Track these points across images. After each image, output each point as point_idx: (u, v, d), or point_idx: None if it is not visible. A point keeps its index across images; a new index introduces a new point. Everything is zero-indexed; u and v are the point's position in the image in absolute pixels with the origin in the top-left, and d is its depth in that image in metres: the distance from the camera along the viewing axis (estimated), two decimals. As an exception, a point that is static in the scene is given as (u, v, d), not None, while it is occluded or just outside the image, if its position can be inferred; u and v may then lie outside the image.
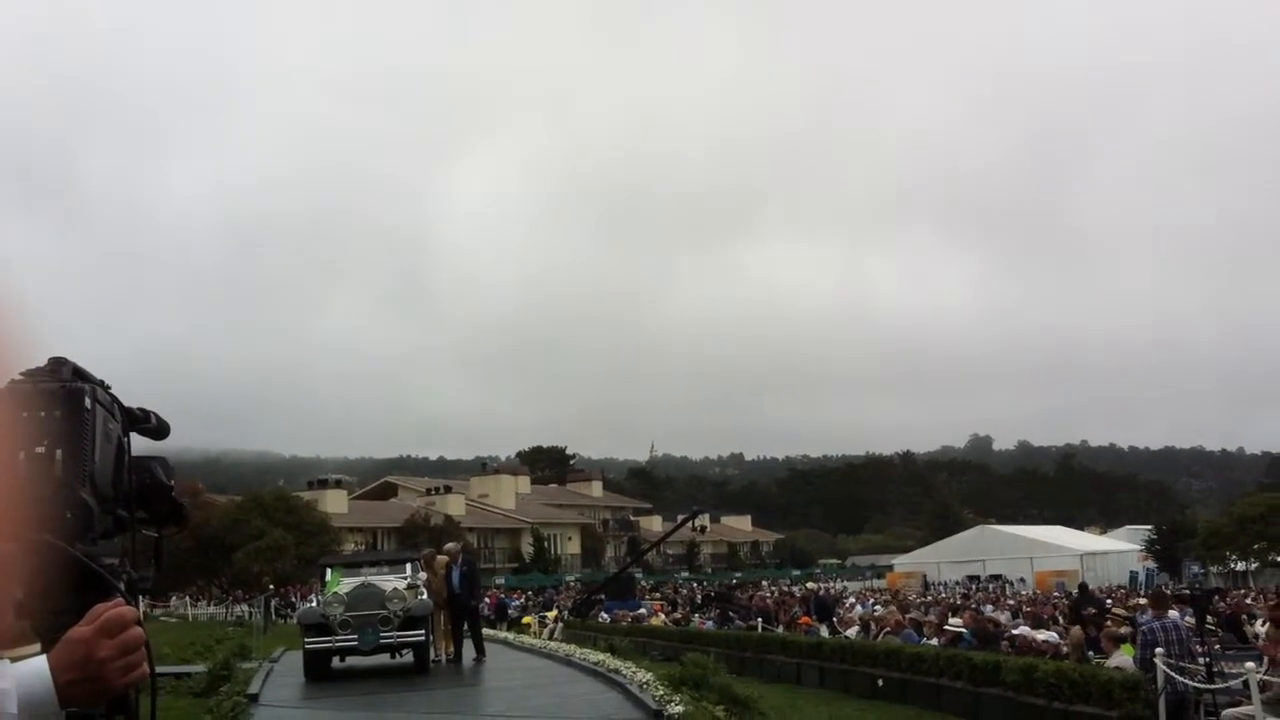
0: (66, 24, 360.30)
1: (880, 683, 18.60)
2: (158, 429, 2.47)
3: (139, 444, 2.43)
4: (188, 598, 58.96)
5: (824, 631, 27.43)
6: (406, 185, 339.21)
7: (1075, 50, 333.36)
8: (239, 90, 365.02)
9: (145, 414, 2.43)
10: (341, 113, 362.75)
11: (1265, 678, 11.67)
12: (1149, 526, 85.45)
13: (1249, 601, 33.18)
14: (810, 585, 67.80)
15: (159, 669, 2.08)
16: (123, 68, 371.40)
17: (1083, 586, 36.96)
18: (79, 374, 2.20)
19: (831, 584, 71.68)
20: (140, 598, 2.42)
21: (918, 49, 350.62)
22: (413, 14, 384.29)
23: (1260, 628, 19.49)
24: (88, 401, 2.14)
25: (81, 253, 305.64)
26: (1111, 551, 79.33)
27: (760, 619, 29.36)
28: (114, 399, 2.30)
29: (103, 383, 2.27)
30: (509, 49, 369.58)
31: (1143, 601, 24.62)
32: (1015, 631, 21.31)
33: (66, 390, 2.13)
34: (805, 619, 29.70)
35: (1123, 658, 15.26)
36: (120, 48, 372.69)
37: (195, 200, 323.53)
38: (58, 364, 2.18)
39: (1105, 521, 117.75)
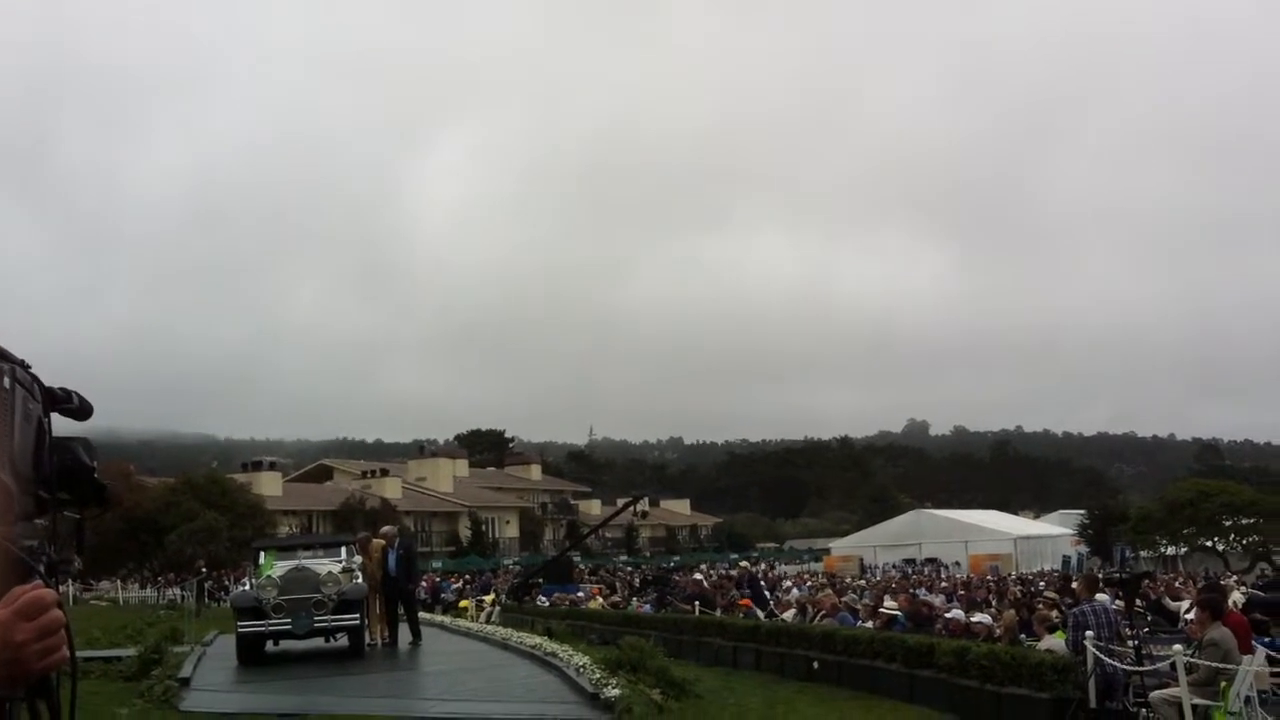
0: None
1: (816, 665, 18.69)
2: (80, 409, 2.43)
3: (61, 425, 2.39)
4: (118, 581, 58.25)
5: (760, 615, 27.57)
6: (367, 165, 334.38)
7: (1041, 35, 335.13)
8: (213, 64, 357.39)
9: (67, 394, 2.39)
10: (311, 88, 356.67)
11: (1192, 660, 11.87)
12: (1082, 511, 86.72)
13: (1177, 585, 33.79)
14: (743, 564, 68.22)
15: (88, 653, 2.06)
16: (94, 41, 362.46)
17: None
18: (-3, 352, 2.15)
19: (769, 568, 72.06)
20: (68, 580, 2.38)
21: (883, 38, 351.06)
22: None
23: (1186, 614, 19.81)
24: (6, 381, 2.10)
25: (31, 229, 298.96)
26: (1044, 536, 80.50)
27: (697, 602, 29.43)
28: (34, 379, 2.26)
29: (23, 362, 2.22)
30: (483, 29, 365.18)
31: (1073, 585, 24.95)
32: (949, 614, 21.52)
33: (-16, 369, 2.09)
34: (745, 600, 29.81)
35: (1054, 641, 15.48)
36: (91, 19, 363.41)
37: (152, 178, 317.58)
38: (-25, 343, 2.14)
39: (1039, 506, 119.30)
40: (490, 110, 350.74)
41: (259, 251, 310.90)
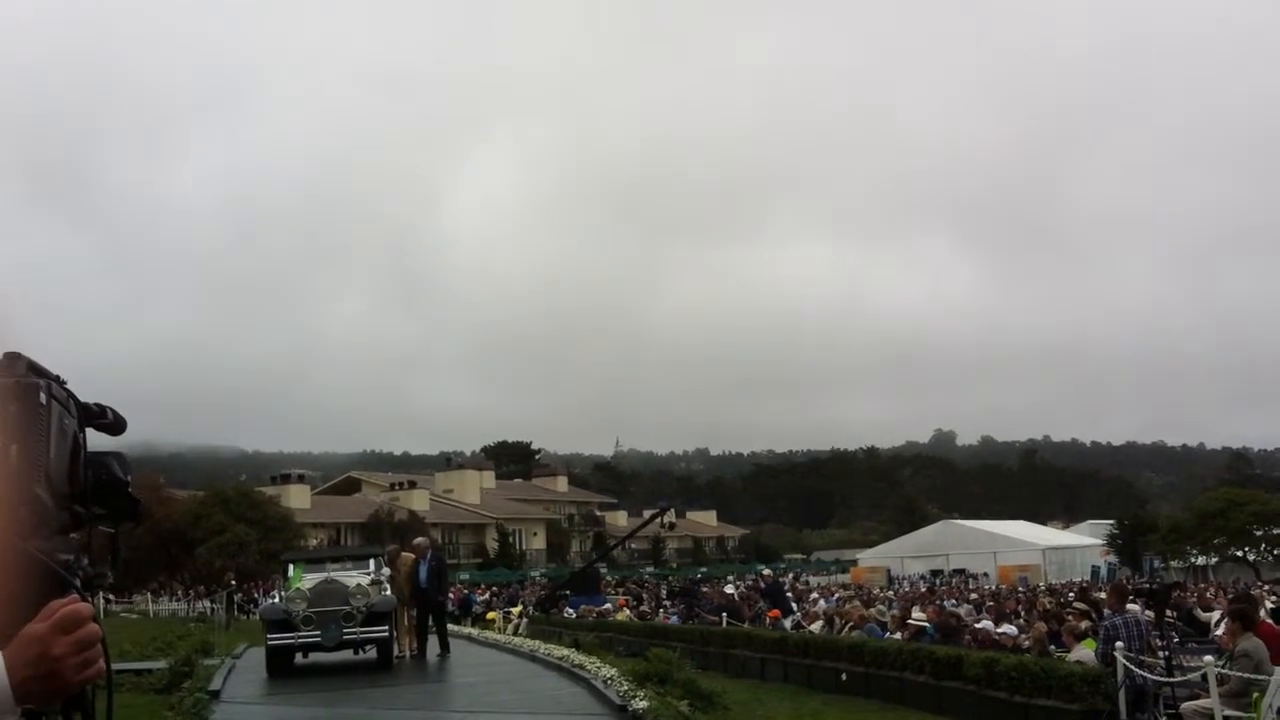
0: (79, 15, 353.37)
1: (844, 677, 18.64)
2: (114, 424, 2.46)
3: (96, 439, 2.42)
4: (149, 594, 58.55)
5: (787, 625, 27.52)
6: (400, 179, 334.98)
7: (1076, 41, 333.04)
8: (250, 80, 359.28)
9: (101, 409, 2.42)
10: (349, 103, 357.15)
11: (1223, 671, 11.79)
12: (1111, 521, 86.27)
13: (1208, 596, 33.52)
14: (766, 573, 68.14)
15: (118, 666, 2.09)
16: (134, 58, 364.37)
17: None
18: (34, 369, 2.18)
19: (795, 579, 71.93)
20: (100, 594, 2.41)
21: (915, 45, 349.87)
22: (420, 7, 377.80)
23: (1217, 625, 19.65)
24: (43, 397, 2.13)
25: (68, 244, 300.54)
26: (1074, 546, 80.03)
27: (725, 613, 29.40)
28: (69, 394, 2.29)
29: (58, 378, 2.25)
30: (517, 44, 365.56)
31: (1101, 596, 24.81)
32: (978, 626, 21.42)
33: (21, 385, 2.12)
34: (774, 612, 29.76)
35: (1084, 652, 15.38)
36: (134, 35, 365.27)
37: (188, 193, 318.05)
38: (12, 359, 2.17)
39: (1068, 516, 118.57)
40: (523, 124, 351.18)
41: (289, 266, 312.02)
